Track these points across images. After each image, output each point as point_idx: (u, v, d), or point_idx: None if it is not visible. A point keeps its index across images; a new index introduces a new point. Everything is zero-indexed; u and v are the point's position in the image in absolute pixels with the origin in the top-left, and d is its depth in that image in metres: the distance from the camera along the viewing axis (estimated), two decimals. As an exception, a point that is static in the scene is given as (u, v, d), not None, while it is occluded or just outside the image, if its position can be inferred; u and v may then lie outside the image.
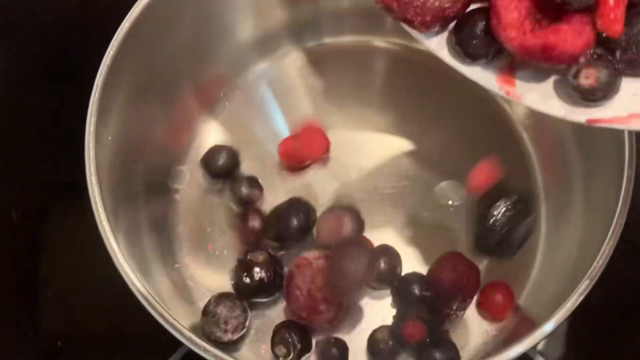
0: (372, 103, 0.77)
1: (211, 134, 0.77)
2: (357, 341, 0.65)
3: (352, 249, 0.59)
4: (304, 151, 0.72)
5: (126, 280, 0.57)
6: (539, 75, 0.48)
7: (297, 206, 0.66)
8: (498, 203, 0.63)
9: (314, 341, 0.63)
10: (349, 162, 0.74)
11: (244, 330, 0.63)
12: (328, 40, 0.82)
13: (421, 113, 0.76)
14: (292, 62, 0.80)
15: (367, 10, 0.77)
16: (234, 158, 0.72)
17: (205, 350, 0.54)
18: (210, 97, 0.79)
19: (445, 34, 0.49)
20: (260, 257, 0.64)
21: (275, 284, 0.64)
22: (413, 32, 0.48)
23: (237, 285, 0.64)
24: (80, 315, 0.74)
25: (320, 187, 0.72)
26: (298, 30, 0.80)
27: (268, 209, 0.68)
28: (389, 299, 0.67)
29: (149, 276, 0.65)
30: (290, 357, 0.60)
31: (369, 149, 0.74)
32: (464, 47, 0.47)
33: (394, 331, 0.62)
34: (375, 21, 0.79)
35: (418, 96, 0.76)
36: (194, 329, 0.57)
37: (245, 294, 0.63)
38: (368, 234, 0.67)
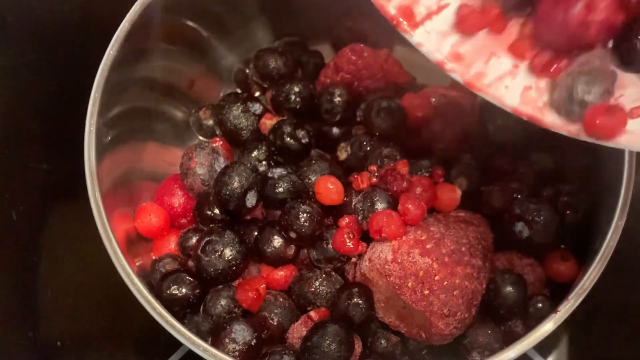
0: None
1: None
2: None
3: None
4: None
5: (126, 280, 0.57)
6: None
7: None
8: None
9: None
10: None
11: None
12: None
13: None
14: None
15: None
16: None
17: (205, 350, 0.54)
18: (210, 95, 0.79)
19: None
20: None
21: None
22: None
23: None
24: (80, 315, 0.74)
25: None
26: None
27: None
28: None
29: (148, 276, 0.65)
30: None
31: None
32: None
33: None
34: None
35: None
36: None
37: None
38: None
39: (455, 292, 0.57)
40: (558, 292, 0.59)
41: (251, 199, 0.64)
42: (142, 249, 0.67)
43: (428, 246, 0.57)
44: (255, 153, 0.71)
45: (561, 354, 0.71)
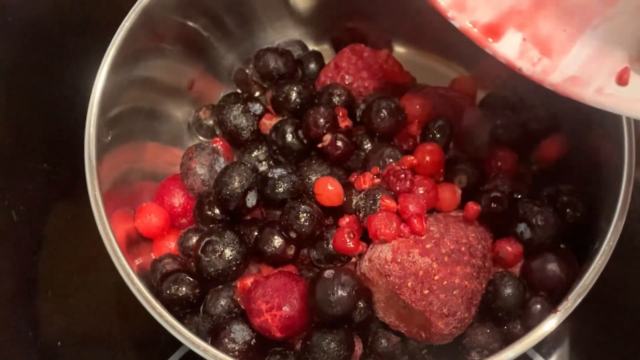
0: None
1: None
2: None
3: None
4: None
5: (126, 280, 0.57)
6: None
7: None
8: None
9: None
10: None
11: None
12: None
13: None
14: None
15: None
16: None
17: (205, 350, 0.54)
18: (210, 95, 0.79)
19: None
20: None
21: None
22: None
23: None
24: (80, 315, 0.74)
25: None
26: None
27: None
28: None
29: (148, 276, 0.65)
30: None
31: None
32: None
33: None
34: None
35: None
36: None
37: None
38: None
39: (455, 292, 0.57)
40: (558, 292, 0.59)
41: (251, 199, 0.64)
42: (142, 249, 0.67)
43: (428, 246, 0.57)
44: (255, 153, 0.71)
45: (560, 353, 0.71)
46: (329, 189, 0.63)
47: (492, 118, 0.70)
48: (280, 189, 0.63)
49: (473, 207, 0.62)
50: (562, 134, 0.69)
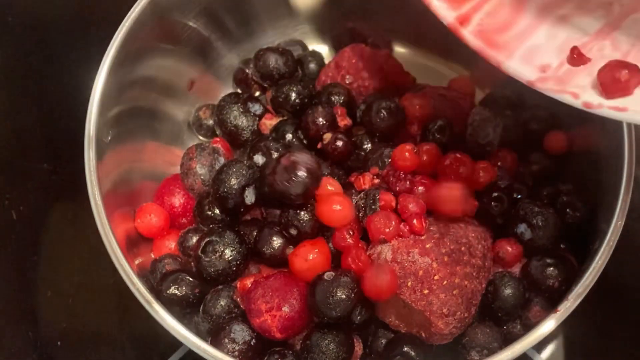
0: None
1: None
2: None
3: None
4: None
5: (126, 280, 0.57)
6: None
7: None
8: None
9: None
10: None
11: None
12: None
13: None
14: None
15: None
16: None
17: (204, 350, 0.54)
18: (210, 95, 0.79)
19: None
20: None
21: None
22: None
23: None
24: (80, 315, 0.74)
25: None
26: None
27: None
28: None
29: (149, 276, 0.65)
30: None
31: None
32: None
33: None
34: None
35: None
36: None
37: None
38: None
39: (454, 292, 0.57)
40: (557, 292, 0.59)
41: (250, 196, 0.64)
42: (142, 249, 0.67)
43: (427, 246, 0.57)
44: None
45: (560, 354, 0.71)
46: (328, 189, 0.63)
47: (495, 117, 0.70)
48: None
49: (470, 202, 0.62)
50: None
